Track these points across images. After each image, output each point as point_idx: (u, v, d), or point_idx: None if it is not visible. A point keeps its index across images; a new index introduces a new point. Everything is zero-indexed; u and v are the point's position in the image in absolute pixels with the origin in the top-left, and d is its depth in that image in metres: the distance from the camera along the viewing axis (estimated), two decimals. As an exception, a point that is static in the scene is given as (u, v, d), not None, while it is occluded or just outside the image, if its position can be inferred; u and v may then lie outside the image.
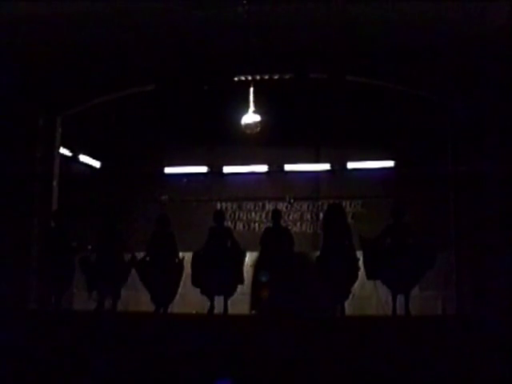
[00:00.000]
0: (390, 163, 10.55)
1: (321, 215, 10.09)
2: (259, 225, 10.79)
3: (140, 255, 8.41)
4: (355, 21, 7.78)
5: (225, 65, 9.02)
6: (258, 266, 9.69)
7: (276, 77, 9.41)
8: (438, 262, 9.57)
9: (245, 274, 8.44)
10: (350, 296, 8.09)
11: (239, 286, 8.35)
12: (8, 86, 8.50)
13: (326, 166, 10.79)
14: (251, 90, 9.36)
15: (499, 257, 8.09)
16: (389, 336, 6.51)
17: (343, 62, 8.87)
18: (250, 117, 9.33)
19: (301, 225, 10.87)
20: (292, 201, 10.69)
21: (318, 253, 8.95)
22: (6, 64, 8.15)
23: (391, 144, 10.34)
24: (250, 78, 9.36)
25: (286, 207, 10.65)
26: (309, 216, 10.89)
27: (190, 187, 10.89)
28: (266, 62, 8.94)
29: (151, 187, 10.91)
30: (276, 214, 8.55)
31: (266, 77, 9.39)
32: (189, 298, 9.59)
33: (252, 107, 9.36)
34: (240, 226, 10.97)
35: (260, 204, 10.88)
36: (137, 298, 9.80)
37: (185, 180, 11.02)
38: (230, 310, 8.08)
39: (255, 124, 9.32)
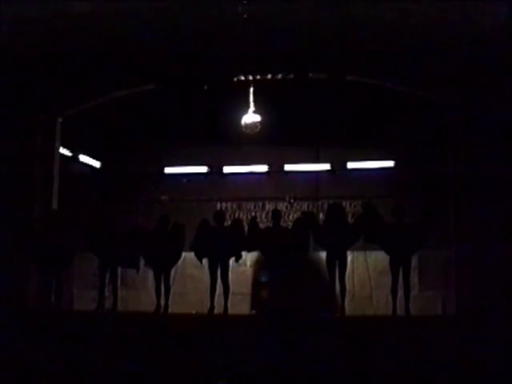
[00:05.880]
0: (390, 163, 10.54)
1: (321, 215, 10.08)
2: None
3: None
4: (355, 21, 7.79)
5: (225, 65, 9.02)
6: (258, 266, 9.72)
7: (276, 77, 9.40)
8: (438, 262, 9.64)
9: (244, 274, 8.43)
10: (350, 296, 8.09)
11: (239, 286, 8.34)
12: (8, 86, 8.51)
13: (326, 166, 10.77)
14: (251, 90, 9.36)
15: (499, 257, 8.09)
16: (389, 336, 6.52)
17: (343, 61, 8.87)
18: (250, 117, 9.33)
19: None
20: (292, 201, 10.68)
21: (317, 253, 8.99)
22: (6, 64, 8.16)
23: (391, 144, 10.33)
24: (250, 78, 9.36)
25: (286, 207, 10.65)
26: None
27: (190, 187, 10.88)
28: (266, 61, 8.94)
29: (151, 187, 10.90)
30: (276, 213, 8.54)
31: (266, 77, 9.39)
32: (189, 298, 9.61)
33: (252, 107, 9.35)
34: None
35: (260, 204, 10.86)
36: (137, 297, 9.82)
37: (185, 180, 11.00)
38: (230, 310, 8.08)
39: (255, 124, 9.32)
